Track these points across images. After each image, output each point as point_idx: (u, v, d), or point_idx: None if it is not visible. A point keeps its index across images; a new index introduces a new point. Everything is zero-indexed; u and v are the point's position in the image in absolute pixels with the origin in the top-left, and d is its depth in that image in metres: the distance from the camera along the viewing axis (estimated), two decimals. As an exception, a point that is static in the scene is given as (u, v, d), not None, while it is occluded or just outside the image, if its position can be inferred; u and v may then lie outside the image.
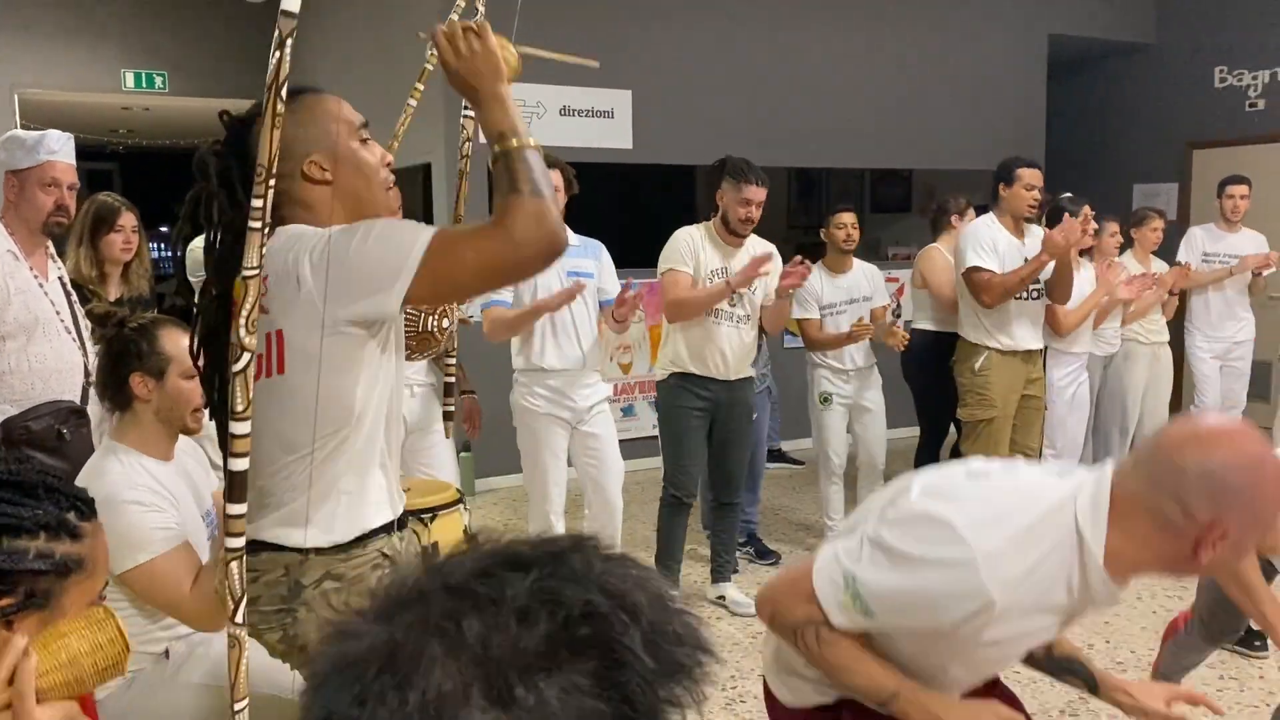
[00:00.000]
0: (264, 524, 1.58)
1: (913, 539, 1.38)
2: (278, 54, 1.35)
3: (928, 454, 4.76)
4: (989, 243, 4.23)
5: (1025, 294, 4.23)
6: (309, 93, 1.60)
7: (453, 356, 2.25)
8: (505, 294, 3.49)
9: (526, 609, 0.54)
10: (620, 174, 5.98)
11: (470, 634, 0.53)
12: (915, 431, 5.02)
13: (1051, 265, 4.18)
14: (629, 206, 5.93)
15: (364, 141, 1.63)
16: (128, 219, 3.48)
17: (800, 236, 6.71)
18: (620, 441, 3.79)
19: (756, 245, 3.89)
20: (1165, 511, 1.32)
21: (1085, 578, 1.37)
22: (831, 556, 1.47)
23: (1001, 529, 1.36)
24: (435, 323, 1.94)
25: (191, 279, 4.57)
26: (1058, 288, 4.26)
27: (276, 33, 1.36)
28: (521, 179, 1.39)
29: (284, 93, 1.36)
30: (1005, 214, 4.30)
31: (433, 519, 2.44)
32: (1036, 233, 4.37)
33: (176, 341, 2.10)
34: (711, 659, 0.58)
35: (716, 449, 3.96)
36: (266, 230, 1.44)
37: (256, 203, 1.38)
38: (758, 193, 3.73)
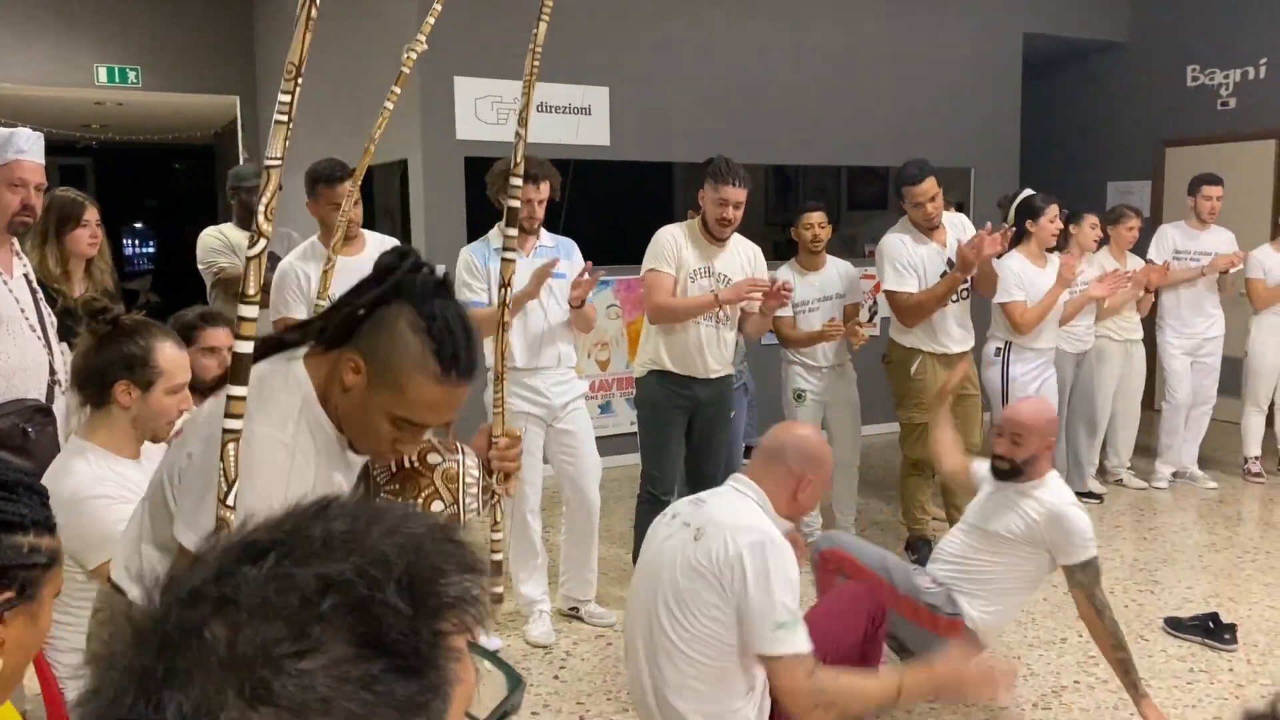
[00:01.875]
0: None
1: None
2: None
3: None
4: (906, 261, 4.27)
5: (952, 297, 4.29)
6: (443, 366, 1.41)
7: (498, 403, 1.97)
8: (480, 294, 3.48)
9: (263, 602, 0.53)
10: (598, 171, 5.97)
11: (214, 641, 0.52)
12: (890, 428, 5.04)
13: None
14: (606, 203, 5.91)
15: (400, 436, 1.48)
16: (91, 213, 3.42)
17: (777, 234, 6.70)
18: (598, 438, 3.79)
19: (741, 245, 3.89)
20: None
21: None
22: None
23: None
24: (415, 461, 1.64)
25: (201, 267, 4.55)
26: (982, 284, 4.42)
27: None
28: None
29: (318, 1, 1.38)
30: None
31: None
32: (956, 221, 4.40)
33: (171, 358, 2.11)
34: (479, 576, 0.59)
35: (694, 446, 3.94)
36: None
37: (284, 98, 1.37)
38: (735, 193, 3.68)
